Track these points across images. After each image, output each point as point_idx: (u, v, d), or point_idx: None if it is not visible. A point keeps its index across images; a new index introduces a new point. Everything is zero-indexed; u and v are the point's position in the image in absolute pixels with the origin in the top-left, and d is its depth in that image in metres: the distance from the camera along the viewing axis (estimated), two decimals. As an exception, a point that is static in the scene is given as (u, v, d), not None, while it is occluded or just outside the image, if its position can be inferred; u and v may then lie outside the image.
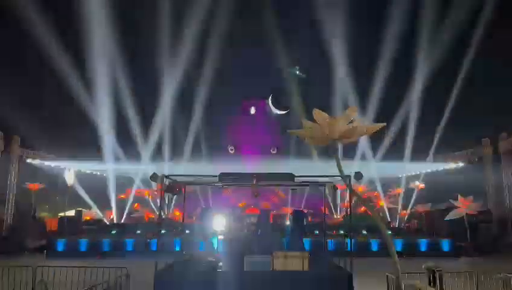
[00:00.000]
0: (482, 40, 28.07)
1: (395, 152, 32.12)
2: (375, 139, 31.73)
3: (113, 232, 24.79)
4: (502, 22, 27.89)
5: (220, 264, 8.74)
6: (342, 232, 23.57)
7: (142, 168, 31.39)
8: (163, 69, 32.05)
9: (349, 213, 10.88)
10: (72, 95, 28.83)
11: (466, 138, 31.85)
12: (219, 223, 10.91)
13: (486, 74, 33.01)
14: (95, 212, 33.14)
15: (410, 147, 31.75)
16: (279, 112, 45.94)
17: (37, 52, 26.99)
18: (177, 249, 20.52)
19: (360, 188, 30.61)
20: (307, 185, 11.23)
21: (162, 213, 22.55)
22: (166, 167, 29.00)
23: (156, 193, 29.97)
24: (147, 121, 33.20)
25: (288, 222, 25.86)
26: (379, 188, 33.29)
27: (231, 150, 43.32)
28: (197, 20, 30.73)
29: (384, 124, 8.37)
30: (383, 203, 32.36)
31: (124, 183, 34.09)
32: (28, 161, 30.86)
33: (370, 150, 32.09)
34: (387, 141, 31.79)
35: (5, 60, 30.92)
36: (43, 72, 31.50)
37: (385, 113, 31.55)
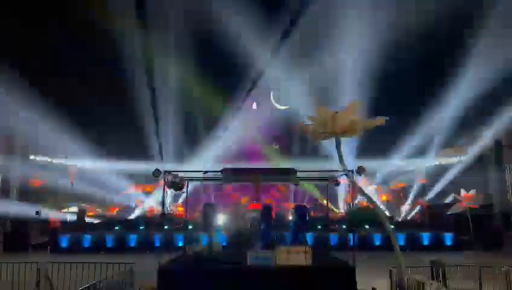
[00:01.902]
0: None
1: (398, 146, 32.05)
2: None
3: (117, 228, 24.87)
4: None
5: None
6: (344, 227, 23.60)
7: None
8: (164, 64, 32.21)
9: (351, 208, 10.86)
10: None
11: (468, 131, 31.70)
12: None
13: (488, 65, 32.76)
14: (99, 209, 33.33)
15: (412, 141, 31.67)
16: (281, 107, 45.87)
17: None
18: (180, 244, 20.62)
19: (363, 182, 30.57)
20: (310, 180, 11.24)
21: (165, 209, 22.67)
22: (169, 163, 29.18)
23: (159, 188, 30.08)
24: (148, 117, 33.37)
25: (290, 217, 25.88)
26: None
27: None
28: (200, 16, 30.80)
29: (387, 118, 8.37)
30: (386, 197, 32.34)
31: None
32: (31, 157, 30.93)
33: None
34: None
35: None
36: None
37: (386, 108, 31.43)
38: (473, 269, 10.09)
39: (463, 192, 24.53)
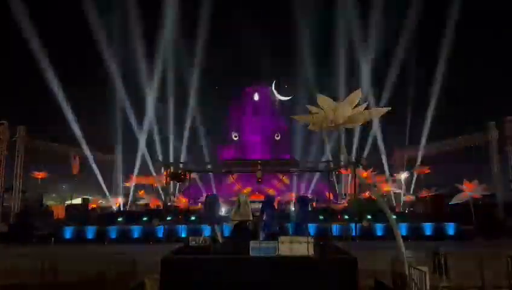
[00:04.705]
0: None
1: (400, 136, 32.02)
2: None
3: (120, 219, 24.99)
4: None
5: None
6: (346, 217, 23.63)
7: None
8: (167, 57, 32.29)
9: (354, 198, 10.88)
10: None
11: (472, 121, 31.65)
12: None
13: (492, 57, 32.53)
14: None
15: (415, 131, 31.63)
16: (282, 98, 45.77)
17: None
18: (183, 235, 20.72)
19: (365, 173, 30.54)
20: (312, 171, 11.24)
21: (168, 200, 22.76)
22: (172, 155, 29.26)
23: (161, 180, 30.19)
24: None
25: (293, 208, 25.94)
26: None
27: (235, 136, 43.27)
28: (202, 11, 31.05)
29: (389, 108, 8.33)
30: (388, 188, 32.29)
31: None
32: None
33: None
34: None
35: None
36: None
37: (387, 98, 31.40)
38: (475, 258, 10.10)
39: (465, 181, 24.51)
